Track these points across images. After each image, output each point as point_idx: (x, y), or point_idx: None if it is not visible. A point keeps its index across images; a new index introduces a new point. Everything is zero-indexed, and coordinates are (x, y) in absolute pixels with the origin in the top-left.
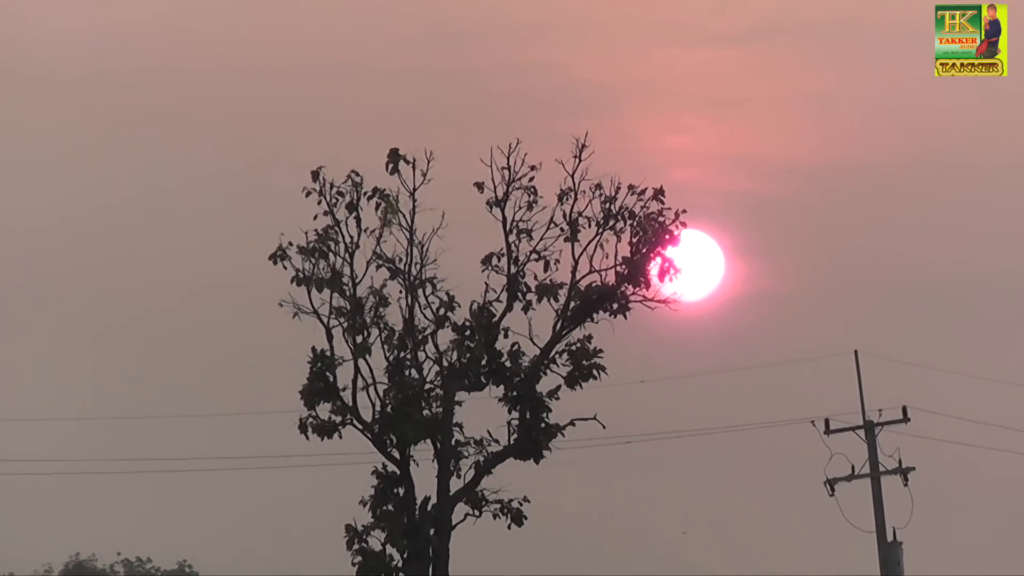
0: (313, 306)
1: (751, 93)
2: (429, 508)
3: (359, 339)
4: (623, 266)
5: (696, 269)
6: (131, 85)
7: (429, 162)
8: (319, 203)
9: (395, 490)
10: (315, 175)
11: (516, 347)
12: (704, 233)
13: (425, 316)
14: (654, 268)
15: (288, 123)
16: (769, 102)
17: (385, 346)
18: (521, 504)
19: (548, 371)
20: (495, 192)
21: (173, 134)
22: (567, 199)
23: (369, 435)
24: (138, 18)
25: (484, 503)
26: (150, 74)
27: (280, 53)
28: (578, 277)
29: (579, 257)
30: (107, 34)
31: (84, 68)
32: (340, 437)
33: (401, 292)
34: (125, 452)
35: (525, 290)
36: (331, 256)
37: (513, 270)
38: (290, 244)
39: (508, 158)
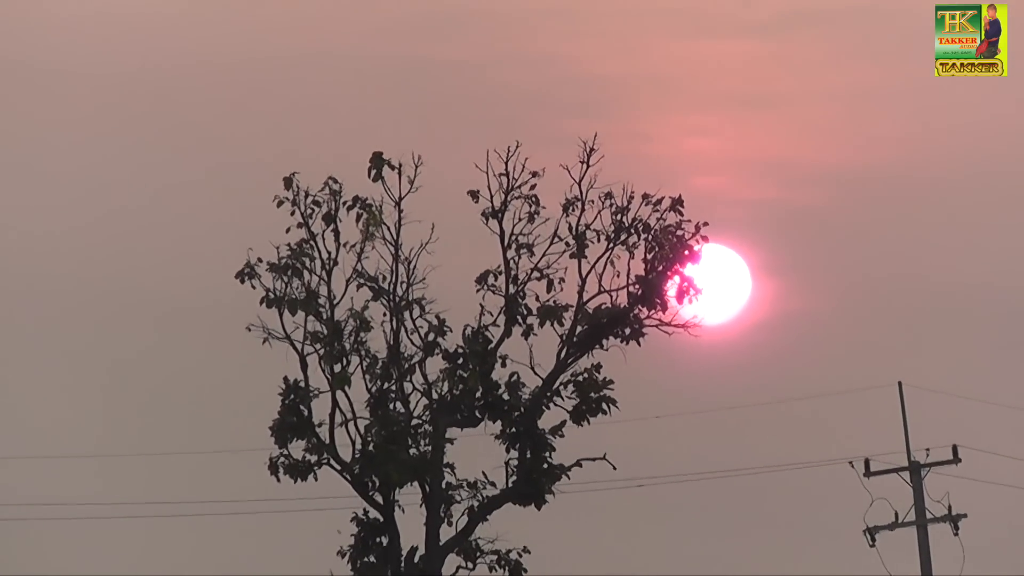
0: (285, 331)
1: (782, 90)
2: (416, 560)
3: (337, 368)
4: (636, 286)
5: (719, 289)
6: (74, 81)
7: (417, 167)
8: (292, 214)
9: (378, 539)
10: (288, 182)
11: (515, 377)
12: (728, 248)
13: (412, 342)
14: (672, 288)
15: (257, 123)
16: (802, 100)
17: (367, 376)
18: (520, 555)
19: (551, 405)
20: (492, 202)
21: (123, 136)
22: (573, 210)
23: (348, 477)
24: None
25: (478, 554)
26: (92, 69)
27: (247, 43)
28: (585, 298)
29: (587, 276)
30: (42, 26)
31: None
32: (316, 479)
33: (385, 315)
34: (69, 496)
35: (525, 313)
36: (306, 274)
37: (512, 290)
38: (259, 260)
39: (507, 163)
